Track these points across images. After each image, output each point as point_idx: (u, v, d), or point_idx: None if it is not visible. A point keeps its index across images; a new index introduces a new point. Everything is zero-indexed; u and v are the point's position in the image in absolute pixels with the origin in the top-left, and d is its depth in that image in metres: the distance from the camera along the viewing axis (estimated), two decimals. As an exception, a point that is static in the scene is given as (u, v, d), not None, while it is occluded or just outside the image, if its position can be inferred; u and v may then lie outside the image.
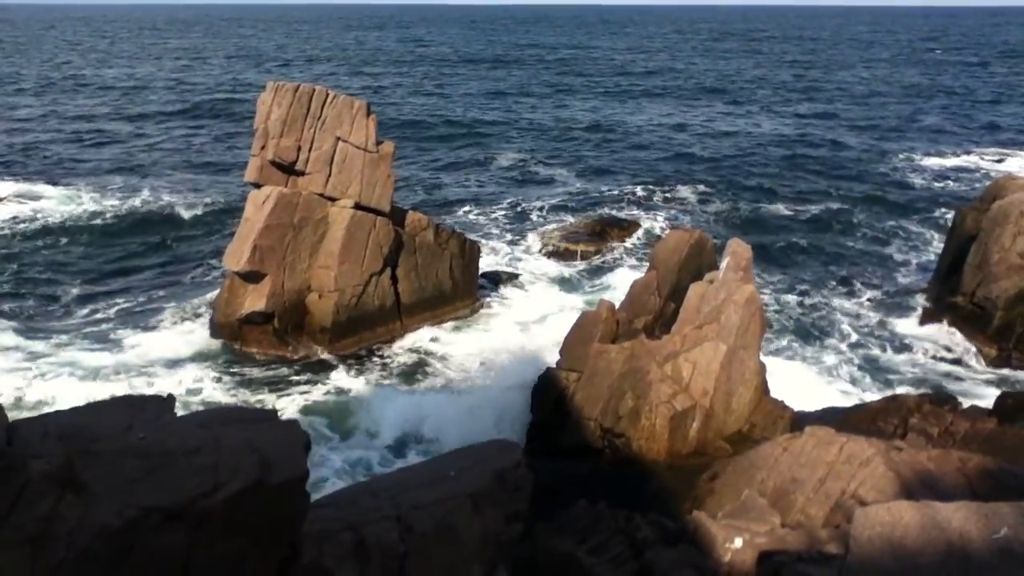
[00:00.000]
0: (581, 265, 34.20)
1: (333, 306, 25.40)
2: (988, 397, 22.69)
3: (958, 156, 57.82)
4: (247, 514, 6.78)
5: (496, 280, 32.11)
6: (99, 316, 27.87)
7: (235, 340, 25.60)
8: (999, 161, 56.33)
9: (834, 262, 35.13)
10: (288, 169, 25.80)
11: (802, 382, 24.27)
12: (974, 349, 26.07)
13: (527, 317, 29.02)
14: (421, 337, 27.18)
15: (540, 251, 35.87)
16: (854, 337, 27.70)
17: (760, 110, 79.71)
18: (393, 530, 8.37)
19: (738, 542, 9.81)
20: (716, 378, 17.01)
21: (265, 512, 6.95)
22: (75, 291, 30.03)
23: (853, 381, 24.72)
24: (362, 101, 26.87)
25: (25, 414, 20.21)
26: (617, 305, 20.93)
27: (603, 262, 34.62)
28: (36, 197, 41.23)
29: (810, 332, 28.06)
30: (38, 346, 25.49)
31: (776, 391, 19.00)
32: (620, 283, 31.96)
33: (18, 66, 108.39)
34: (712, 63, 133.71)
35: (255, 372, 24.39)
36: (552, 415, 18.47)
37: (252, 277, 25.00)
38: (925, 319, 28.36)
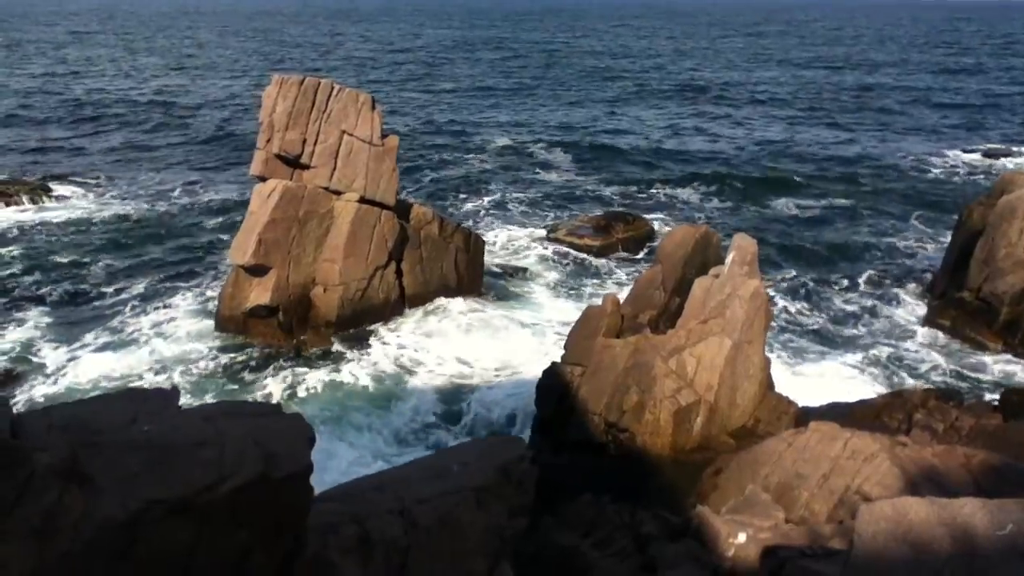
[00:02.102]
0: (586, 259, 34.17)
1: (338, 300, 25.43)
2: (994, 393, 22.66)
3: (964, 151, 57.54)
4: (251, 507, 6.79)
5: (501, 274, 32.11)
6: (103, 310, 27.95)
7: (240, 333, 25.65)
8: (1006, 156, 56.07)
9: (839, 257, 35.03)
10: (293, 162, 25.80)
11: (807, 377, 24.25)
12: (980, 344, 25.98)
13: (532, 311, 29.03)
14: (426, 331, 27.19)
15: (545, 245, 35.85)
16: (859, 332, 27.63)
17: (765, 107, 79.44)
18: (397, 524, 8.37)
19: (742, 537, 9.81)
20: (721, 373, 16.98)
21: (269, 505, 6.97)
22: (76, 286, 30.09)
23: (858, 376, 24.65)
24: (367, 94, 26.84)
25: (30, 406, 20.32)
26: (622, 299, 20.91)
27: (608, 257, 34.58)
28: (45, 195, 41.33)
29: (815, 327, 27.99)
30: (41, 337, 25.60)
31: (781, 386, 18.97)
32: (625, 277, 31.98)
33: (20, 62, 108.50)
34: (716, 60, 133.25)
35: (260, 365, 24.42)
36: (556, 409, 18.47)
37: (257, 271, 25.03)
38: (931, 314, 28.26)
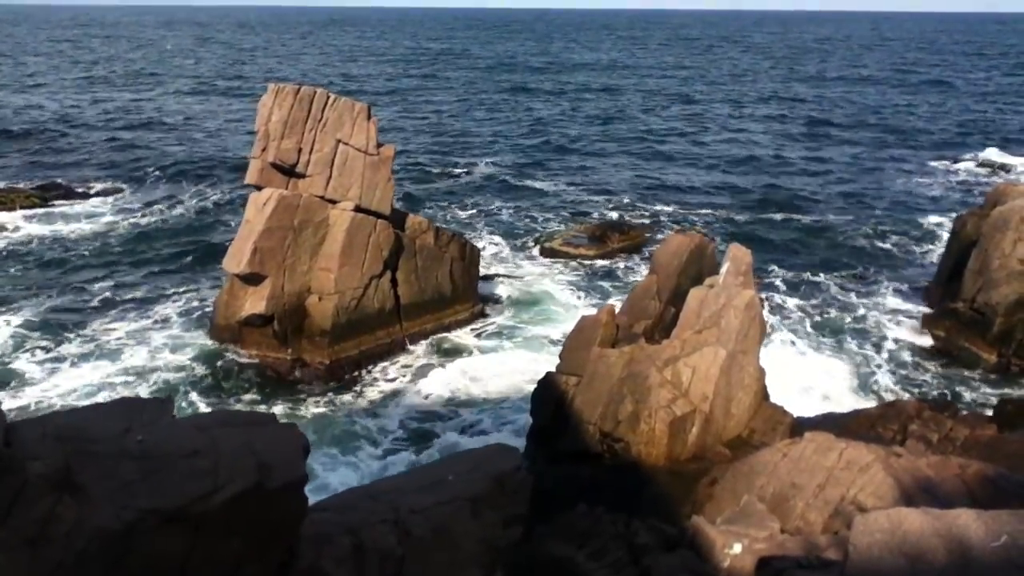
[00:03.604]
0: (581, 269, 34.20)
1: (333, 309, 25.36)
2: (988, 403, 22.71)
3: (958, 162, 57.86)
4: (245, 517, 6.77)
5: (496, 284, 32.10)
6: (94, 319, 27.82)
7: (235, 342, 25.57)
8: (999, 167, 56.36)
9: (834, 268, 35.11)
10: (289, 171, 25.79)
11: (802, 387, 24.26)
12: (974, 355, 26.03)
13: (527, 321, 29.02)
14: (420, 340, 27.16)
15: (540, 255, 35.87)
16: (854, 343, 27.68)
17: (762, 118, 79.81)
18: (391, 534, 8.35)
19: (737, 548, 9.79)
20: (716, 383, 16.97)
21: (263, 515, 6.94)
22: (67, 295, 29.95)
23: (853, 386, 24.68)
24: (363, 104, 26.87)
25: (17, 415, 20.21)
26: (617, 309, 20.92)
27: (603, 266, 34.61)
28: (40, 203, 41.32)
29: (810, 338, 28.03)
30: (30, 346, 25.47)
31: (775, 396, 18.98)
32: (620, 287, 31.99)
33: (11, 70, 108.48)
34: (709, 71, 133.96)
35: (254, 375, 24.34)
36: (551, 419, 18.43)
37: (252, 279, 24.97)
38: (925, 325, 28.33)
